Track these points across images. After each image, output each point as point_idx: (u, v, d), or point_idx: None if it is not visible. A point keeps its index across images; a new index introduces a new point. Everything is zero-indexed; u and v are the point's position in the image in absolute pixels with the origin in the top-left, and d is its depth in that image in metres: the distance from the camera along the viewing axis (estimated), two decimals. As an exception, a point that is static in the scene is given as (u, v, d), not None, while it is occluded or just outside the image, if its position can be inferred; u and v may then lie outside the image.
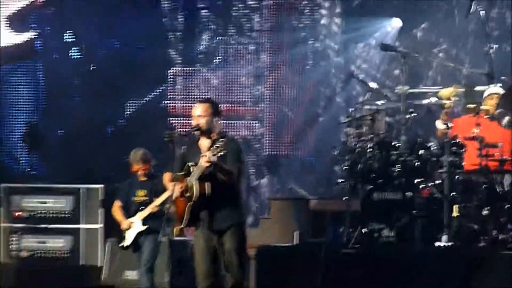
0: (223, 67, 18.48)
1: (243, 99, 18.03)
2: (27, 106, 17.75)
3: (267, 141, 17.97)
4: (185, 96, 18.34)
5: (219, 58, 18.04)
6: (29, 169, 16.84)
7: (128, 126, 15.66)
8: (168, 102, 17.12)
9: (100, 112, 17.65)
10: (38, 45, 17.68)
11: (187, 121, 14.28)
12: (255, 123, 18.06)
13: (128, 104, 16.94)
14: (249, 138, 18.01)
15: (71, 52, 17.65)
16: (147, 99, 17.33)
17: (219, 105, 12.65)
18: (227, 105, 18.34)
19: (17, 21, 17.48)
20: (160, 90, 17.40)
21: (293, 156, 18.35)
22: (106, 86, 17.76)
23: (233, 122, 18.03)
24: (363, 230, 13.97)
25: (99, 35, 17.72)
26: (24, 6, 17.48)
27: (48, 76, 17.82)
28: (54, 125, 17.61)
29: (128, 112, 17.45)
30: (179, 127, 14.45)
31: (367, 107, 14.58)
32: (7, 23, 17.75)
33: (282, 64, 18.09)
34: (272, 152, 18.31)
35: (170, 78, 17.82)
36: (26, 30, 17.73)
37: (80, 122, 17.78)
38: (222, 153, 11.74)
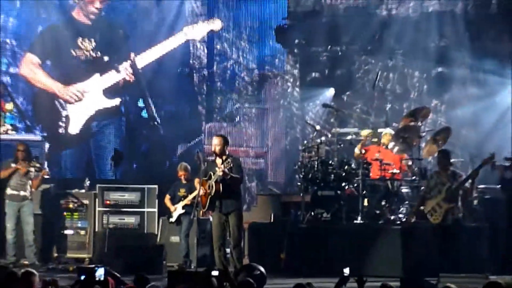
0: (242, 125, 17.72)
1: (254, 145, 17.75)
2: (114, 143, 17.52)
3: (268, 170, 17.62)
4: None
5: (237, 119, 17.86)
6: (114, 176, 16.76)
7: (178, 162, 15.54)
8: (203, 146, 16.83)
9: (160, 152, 17.22)
10: (122, 108, 17.45)
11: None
12: (261, 159, 17.80)
13: (178, 148, 16.68)
14: (256, 168, 17.77)
15: (142, 113, 17.37)
16: (190, 144, 16.98)
17: (229, 139, 12.85)
18: (244, 148, 17.62)
19: (109, 92, 17.26)
20: (198, 139, 17.11)
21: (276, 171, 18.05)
22: (163, 136, 17.28)
23: (247, 158, 17.30)
24: (312, 213, 13.81)
25: (159, 101, 17.39)
26: (114, 83, 17.20)
27: (128, 128, 17.54)
28: (130, 156, 17.44)
29: (177, 153, 17.21)
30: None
31: (315, 140, 14.59)
32: (104, 93, 17.47)
33: (270, 118, 17.88)
34: (268, 172, 17.94)
35: (204, 131, 17.46)
36: (114, 98, 17.63)
37: (147, 158, 17.40)
38: (229, 166, 12.01)
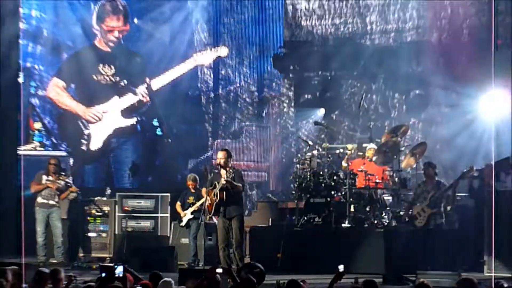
0: (244, 141, 17.58)
1: (254, 159, 17.64)
2: (131, 157, 17.52)
3: (270, 180, 17.44)
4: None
5: (242, 136, 17.68)
6: (131, 186, 16.77)
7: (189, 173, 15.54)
8: (212, 161, 16.75)
9: (173, 166, 17.10)
10: (138, 127, 17.43)
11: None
12: (262, 171, 17.81)
13: (188, 162, 16.62)
14: (257, 179, 17.72)
15: (156, 131, 17.32)
16: (199, 159, 16.92)
17: (231, 153, 12.87)
18: (246, 162, 17.50)
19: (126, 112, 17.24)
20: (207, 155, 17.11)
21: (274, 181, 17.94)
22: (177, 152, 17.19)
23: (251, 172, 17.23)
24: (305, 218, 13.71)
25: (172, 121, 17.27)
26: (131, 104, 17.21)
27: (144, 144, 17.49)
28: (145, 169, 17.24)
29: (188, 167, 17.16)
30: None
31: (307, 154, 14.56)
32: (122, 113, 17.34)
33: (271, 137, 17.89)
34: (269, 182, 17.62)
35: (212, 147, 17.36)
36: (131, 118, 17.44)
37: (161, 170, 17.21)
38: (232, 176, 12.06)
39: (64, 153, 16.19)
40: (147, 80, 17.11)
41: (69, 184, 14.19)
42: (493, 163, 12.75)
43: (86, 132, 17.24)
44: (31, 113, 16.68)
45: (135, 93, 17.20)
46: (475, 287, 7.57)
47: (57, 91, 17.05)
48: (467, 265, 12.31)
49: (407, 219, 13.35)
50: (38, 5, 16.71)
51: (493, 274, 11.20)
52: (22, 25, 16.29)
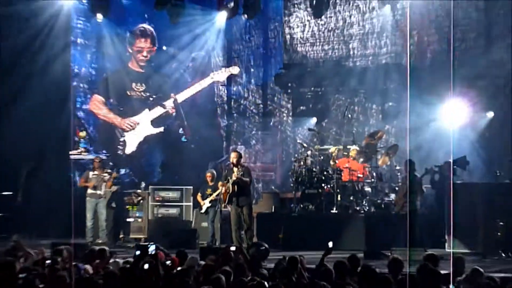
0: (252, 145, 17.65)
1: (261, 159, 17.64)
2: (161, 158, 17.49)
3: (277, 179, 17.31)
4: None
5: (253, 142, 17.64)
6: (162, 180, 16.79)
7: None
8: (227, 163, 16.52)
9: (195, 165, 16.63)
10: (166, 134, 17.25)
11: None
12: (272, 173, 17.74)
13: (208, 164, 16.48)
14: (263, 175, 17.55)
15: (182, 138, 17.26)
16: (217, 161, 16.43)
17: (242, 154, 12.93)
18: (259, 164, 17.56)
19: (155, 122, 17.18)
20: (223, 158, 16.58)
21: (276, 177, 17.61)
22: (199, 154, 16.95)
23: (256, 169, 17.21)
24: (301, 206, 13.84)
25: (194, 129, 17.13)
26: (159, 116, 17.14)
27: (171, 148, 17.29)
28: (172, 170, 17.08)
29: (208, 168, 16.87)
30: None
31: (303, 154, 14.51)
32: (152, 123, 17.15)
33: (272, 139, 17.73)
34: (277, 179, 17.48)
35: (227, 150, 17.22)
36: (160, 127, 17.29)
37: (185, 168, 16.84)
38: (242, 172, 12.01)
39: (104, 157, 15.98)
40: (173, 95, 17.00)
41: (110, 173, 14.17)
42: (451, 161, 12.77)
43: (121, 139, 17.15)
44: (77, 124, 16.61)
45: (163, 106, 17.12)
46: (437, 260, 7.59)
47: (98, 105, 17.00)
48: (432, 243, 12.24)
49: (383, 206, 13.38)
50: (84, 34, 16.65)
51: (451, 250, 11.16)
52: (72, 51, 16.33)
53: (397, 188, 13.55)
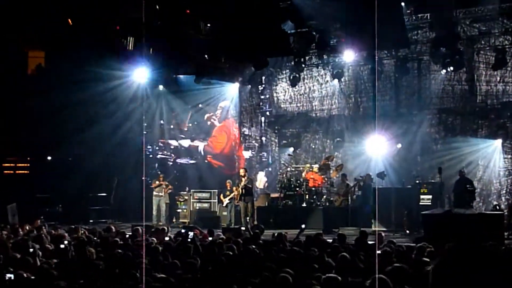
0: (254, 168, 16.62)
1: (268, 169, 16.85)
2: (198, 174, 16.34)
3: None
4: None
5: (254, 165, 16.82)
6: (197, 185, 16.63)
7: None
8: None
9: (220, 177, 15.63)
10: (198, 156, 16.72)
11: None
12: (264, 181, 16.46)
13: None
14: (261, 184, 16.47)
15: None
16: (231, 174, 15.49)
17: (247, 170, 13.15)
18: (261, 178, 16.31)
19: (179, 130, 16.56)
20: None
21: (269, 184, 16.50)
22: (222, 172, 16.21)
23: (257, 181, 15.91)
24: (284, 202, 13.51)
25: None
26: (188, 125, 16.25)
27: (203, 168, 16.41)
28: (204, 180, 15.73)
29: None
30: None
31: (285, 170, 14.49)
32: (182, 135, 16.67)
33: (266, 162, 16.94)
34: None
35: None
36: (187, 139, 16.57)
37: (212, 180, 15.62)
38: (247, 181, 12.31)
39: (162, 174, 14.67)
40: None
41: (167, 184, 14.09)
42: (371, 173, 12.88)
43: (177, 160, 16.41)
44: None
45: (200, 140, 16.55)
46: (366, 235, 7.72)
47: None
48: (362, 224, 11.64)
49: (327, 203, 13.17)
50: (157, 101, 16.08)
51: (376, 228, 10.69)
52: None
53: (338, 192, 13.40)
